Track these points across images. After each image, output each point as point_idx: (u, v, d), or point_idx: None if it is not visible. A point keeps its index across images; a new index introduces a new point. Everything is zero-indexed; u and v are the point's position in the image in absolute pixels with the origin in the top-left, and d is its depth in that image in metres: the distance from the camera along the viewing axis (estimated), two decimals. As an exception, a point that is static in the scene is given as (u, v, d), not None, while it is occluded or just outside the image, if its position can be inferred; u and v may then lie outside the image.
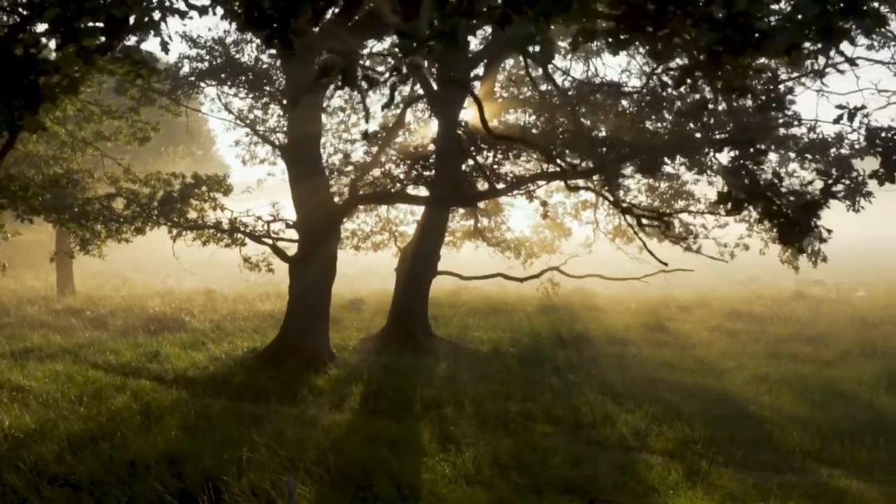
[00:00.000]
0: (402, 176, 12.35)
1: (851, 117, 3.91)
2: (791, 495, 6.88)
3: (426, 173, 11.88)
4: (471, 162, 12.92)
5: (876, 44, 13.77)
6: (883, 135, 3.90)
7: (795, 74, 11.03)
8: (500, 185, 11.40)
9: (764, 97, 4.37)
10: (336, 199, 14.12)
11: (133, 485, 6.59)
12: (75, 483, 6.77)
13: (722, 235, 17.22)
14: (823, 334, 15.99)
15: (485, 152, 11.61)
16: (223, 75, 14.05)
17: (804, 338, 15.83)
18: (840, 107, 3.88)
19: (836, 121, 4.06)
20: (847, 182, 5.48)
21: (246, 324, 17.52)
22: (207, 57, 13.88)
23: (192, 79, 13.93)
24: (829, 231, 7.23)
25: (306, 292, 12.93)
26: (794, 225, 3.25)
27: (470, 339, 15.86)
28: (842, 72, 9.64)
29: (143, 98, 15.07)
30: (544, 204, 11.58)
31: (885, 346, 14.41)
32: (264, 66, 14.24)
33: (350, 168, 12.44)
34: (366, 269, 28.92)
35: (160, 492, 6.34)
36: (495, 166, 11.18)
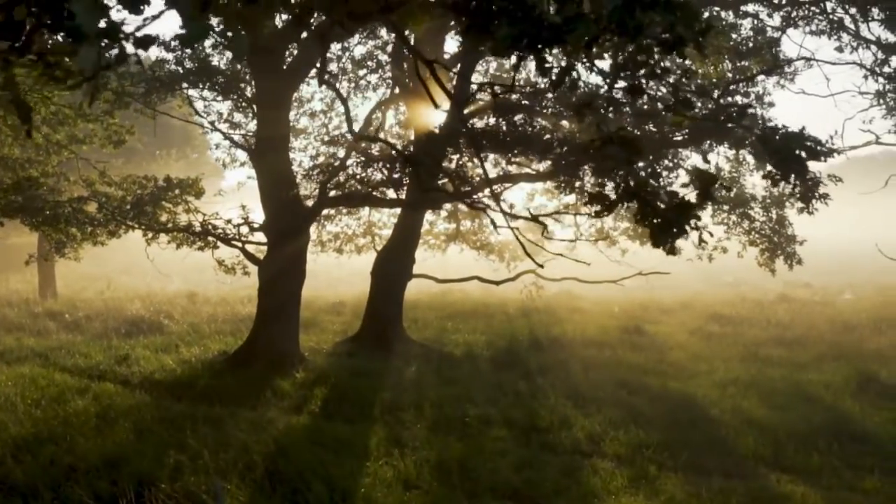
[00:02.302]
0: (372, 178, 12.31)
1: (740, 116, 3.86)
2: (730, 501, 6.81)
3: (395, 175, 11.84)
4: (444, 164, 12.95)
5: (850, 45, 13.72)
6: (777, 136, 3.84)
7: (762, 71, 10.95)
8: (466, 188, 11.36)
9: (674, 96, 4.31)
10: (309, 201, 14.08)
11: (66, 488, 6.56)
12: (10, 487, 6.74)
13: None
14: (801, 337, 15.88)
15: (450, 154, 11.59)
16: (194, 78, 14.04)
17: (782, 341, 15.73)
18: (731, 105, 3.84)
19: (727, 120, 4.01)
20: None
21: (224, 326, 17.49)
22: (174, 59, 13.87)
23: (159, 84, 13.89)
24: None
25: (275, 295, 12.91)
26: (671, 226, 3.19)
27: (446, 342, 15.82)
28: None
29: (118, 101, 15.06)
30: (511, 207, 11.57)
31: (861, 350, 14.32)
32: (237, 69, 14.23)
33: (317, 171, 12.39)
34: (354, 271, 28.89)
35: (89, 496, 6.31)
36: (460, 168, 11.15)
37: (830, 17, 12.29)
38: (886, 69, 12.20)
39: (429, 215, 21.29)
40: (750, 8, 14.94)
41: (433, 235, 22.48)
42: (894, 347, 14.27)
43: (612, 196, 3.39)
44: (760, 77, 15.96)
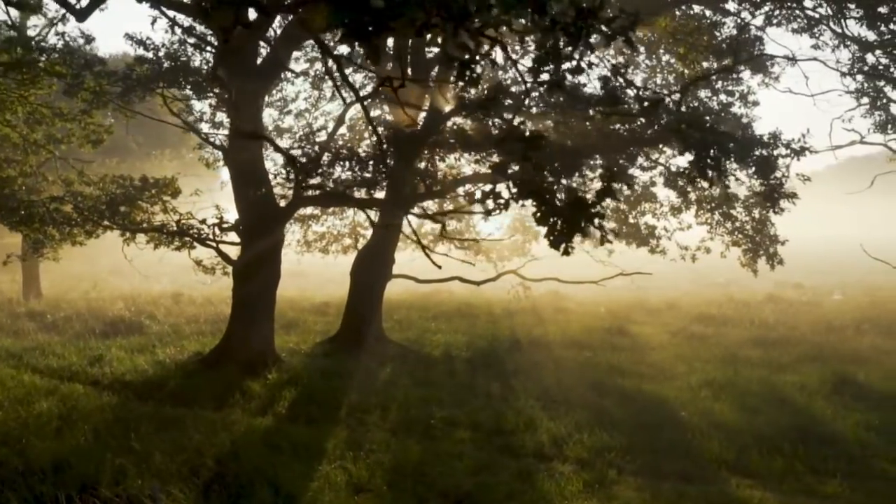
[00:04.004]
0: (343, 177, 12.22)
1: (652, 110, 3.75)
2: (683, 505, 6.69)
3: (367, 175, 11.76)
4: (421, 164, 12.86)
5: (829, 43, 13.59)
6: (693, 133, 3.69)
7: (724, 68, 10.80)
8: (437, 188, 11.26)
9: (603, 90, 4.15)
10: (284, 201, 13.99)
11: (7, 492, 6.47)
12: (-46, 490, 6.65)
13: (684, 238, 17.10)
14: (783, 338, 15.74)
15: (424, 154, 11.48)
16: (170, 77, 13.95)
17: (764, 342, 15.58)
18: (641, 100, 3.72)
19: (638, 114, 3.89)
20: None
21: (205, 327, 17.41)
22: (152, 59, 13.78)
23: (136, 83, 13.81)
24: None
25: (248, 296, 12.81)
26: (573, 225, 3.08)
27: (426, 343, 15.71)
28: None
29: (96, 101, 14.98)
30: (486, 209, 11.45)
31: (843, 351, 14.17)
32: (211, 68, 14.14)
33: (289, 170, 12.28)
34: (345, 272, 28.75)
35: (30, 500, 6.22)
36: (430, 168, 11.05)
37: (808, 13, 12.14)
38: (864, 67, 12.03)
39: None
40: (731, 6, 14.82)
41: (421, 235, 22.41)
42: (874, 348, 14.14)
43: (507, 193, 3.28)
44: (744, 75, 15.82)
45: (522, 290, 20.88)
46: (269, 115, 19.53)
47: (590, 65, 4.25)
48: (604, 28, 3.31)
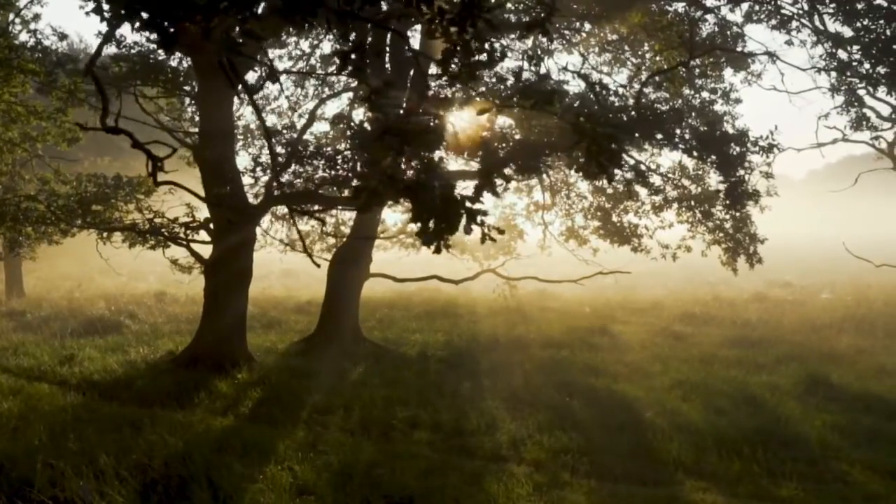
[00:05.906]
0: (316, 175, 12.12)
1: (546, 101, 3.65)
2: (629, 509, 6.57)
3: (338, 173, 11.65)
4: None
5: (807, 39, 13.44)
6: (588, 126, 3.58)
7: (681, 63, 10.66)
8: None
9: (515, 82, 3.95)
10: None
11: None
12: None
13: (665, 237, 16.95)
14: (765, 338, 15.59)
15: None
16: (144, 77, 13.88)
17: (745, 341, 15.44)
18: (534, 93, 3.63)
19: (535, 106, 3.78)
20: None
21: (185, 326, 17.36)
22: (125, 56, 13.73)
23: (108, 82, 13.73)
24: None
25: (221, 295, 12.73)
26: (449, 224, 2.98)
27: (404, 342, 15.62)
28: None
29: (71, 99, 14.92)
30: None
31: (821, 351, 14.02)
32: (183, 67, 14.09)
33: (259, 168, 12.20)
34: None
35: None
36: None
37: (783, 10, 11.98)
38: (835, 63, 11.85)
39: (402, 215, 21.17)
40: (711, 2, 14.65)
41: (407, 234, 22.32)
42: (851, 348, 13.98)
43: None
44: (725, 73, 15.66)
45: (508, 289, 20.77)
46: (250, 114, 19.45)
47: (502, 55, 4.15)
48: (487, 17, 3.21)
